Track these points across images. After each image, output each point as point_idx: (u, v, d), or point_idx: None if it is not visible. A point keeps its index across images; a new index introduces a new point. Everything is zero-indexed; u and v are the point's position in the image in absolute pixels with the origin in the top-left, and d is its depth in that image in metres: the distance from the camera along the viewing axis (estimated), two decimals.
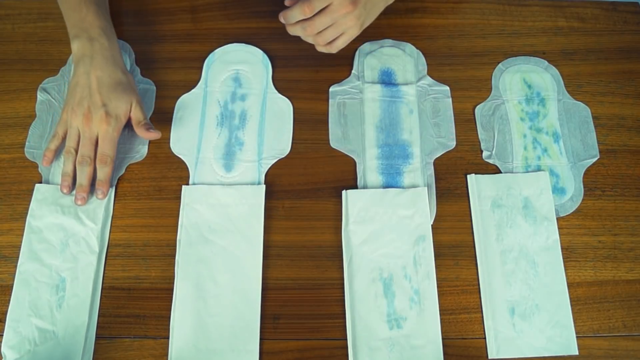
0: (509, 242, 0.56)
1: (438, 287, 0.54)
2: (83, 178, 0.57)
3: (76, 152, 0.57)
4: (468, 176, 0.59)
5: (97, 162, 0.57)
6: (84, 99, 0.57)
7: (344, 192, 0.57)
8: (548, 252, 0.56)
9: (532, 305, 0.54)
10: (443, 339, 0.52)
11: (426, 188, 0.58)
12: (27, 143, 0.61)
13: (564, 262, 0.55)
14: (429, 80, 0.65)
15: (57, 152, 0.59)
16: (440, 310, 0.53)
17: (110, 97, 0.57)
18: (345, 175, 0.60)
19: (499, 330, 0.53)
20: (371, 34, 0.68)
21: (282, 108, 0.63)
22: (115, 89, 0.57)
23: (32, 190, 0.58)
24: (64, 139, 0.58)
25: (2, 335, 0.52)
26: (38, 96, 0.64)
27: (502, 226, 0.57)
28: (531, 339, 0.52)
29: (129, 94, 0.58)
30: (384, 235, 0.56)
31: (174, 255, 0.55)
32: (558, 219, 0.57)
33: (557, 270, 0.55)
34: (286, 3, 0.58)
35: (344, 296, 0.54)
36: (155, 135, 0.59)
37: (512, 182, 0.59)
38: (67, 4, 0.61)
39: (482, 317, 0.53)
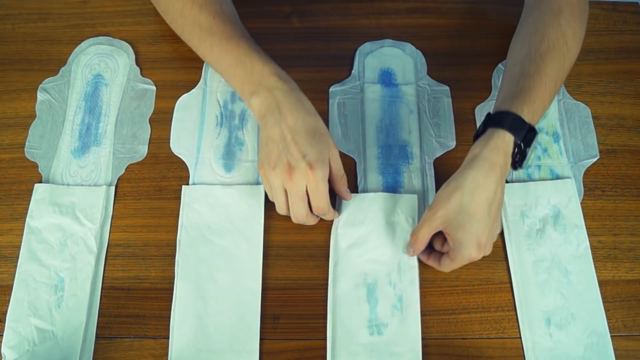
0: (540, 252, 0.55)
1: (437, 287, 0.54)
2: (309, 224, 0.55)
3: (288, 209, 0.53)
4: None
5: (315, 214, 0.54)
6: (281, 154, 0.50)
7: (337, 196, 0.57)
8: (580, 259, 0.55)
9: (568, 315, 0.53)
10: (443, 339, 0.52)
11: (416, 196, 0.57)
12: (27, 143, 0.61)
13: None
14: (429, 80, 0.65)
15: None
16: (440, 311, 0.53)
17: (308, 145, 0.50)
18: (345, 175, 0.60)
19: (537, 341, 0.52)
20: (371, 34, 0.68)
21: None
22: (313, 136, 0.51)
23: (32, 190, 0.58)
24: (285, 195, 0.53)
25: (2, 335, 0.52)
26: (38, 96, 0.64)
27: (532, 236, 0.56)
28: (569, 348, 0.51)
29: (326, 140, 0.52)
30: (371, 240, 0.56)
31: (174, 255, 0.55)
32: None
33: (590, 277, 0.54)
34: (410, 254, 0.54)
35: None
36: (349, 198, 0.56)
37: (541, 191, 0.58)
38: (225, 63, 0.55)
39: (482, 317, 0.53)
